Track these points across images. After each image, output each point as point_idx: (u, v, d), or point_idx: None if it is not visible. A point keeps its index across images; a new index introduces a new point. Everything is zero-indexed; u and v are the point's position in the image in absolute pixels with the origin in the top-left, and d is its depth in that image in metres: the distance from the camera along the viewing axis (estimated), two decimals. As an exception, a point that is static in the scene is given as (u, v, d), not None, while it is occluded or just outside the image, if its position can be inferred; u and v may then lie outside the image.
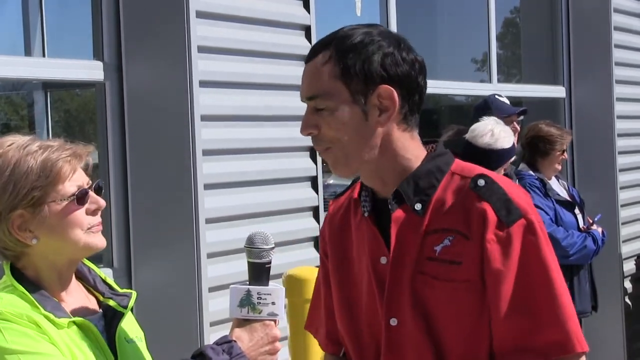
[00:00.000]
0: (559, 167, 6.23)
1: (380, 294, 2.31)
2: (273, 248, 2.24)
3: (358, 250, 2.39)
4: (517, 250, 2.23)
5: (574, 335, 2.25)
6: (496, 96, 5.97)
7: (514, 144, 5.17)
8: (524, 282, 2.24)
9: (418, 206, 2.28)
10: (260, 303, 2.19)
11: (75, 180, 2.21)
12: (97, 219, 2.24)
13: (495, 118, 5.27)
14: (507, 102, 5.85)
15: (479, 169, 2.33)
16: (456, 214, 2.26)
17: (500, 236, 2.23)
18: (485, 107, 5.75)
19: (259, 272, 2.21)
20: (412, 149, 2.31)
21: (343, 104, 2.24)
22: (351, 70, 2.23)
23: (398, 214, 2.29)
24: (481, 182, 2.27)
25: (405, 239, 2.28)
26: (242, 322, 2.21)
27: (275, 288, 2.22)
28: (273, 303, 2.20)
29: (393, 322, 2.29)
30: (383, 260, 2.30)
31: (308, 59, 2.29)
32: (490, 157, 5.03)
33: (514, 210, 2.25)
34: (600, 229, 6.13)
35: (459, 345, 2.27)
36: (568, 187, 6.36)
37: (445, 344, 2.27)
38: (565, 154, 6.22)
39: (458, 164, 2.34)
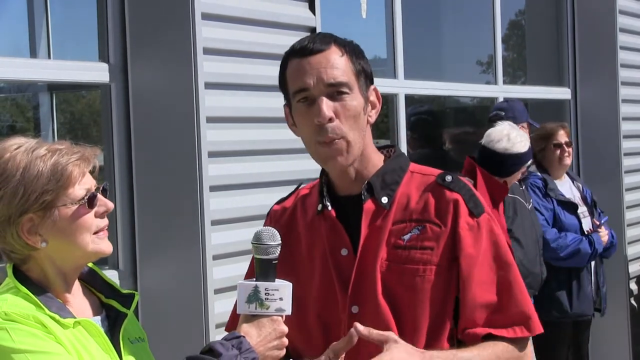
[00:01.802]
0: (564, 164, 6.21)
1: (340, 284, 2.45)
2: (280, 244, 2.26)
3: (309, 248, 2.52)
4: (486, 238, 2.44)
5: (534, 317, 2.46)
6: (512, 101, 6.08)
7: (530, 148, 5.21)
8: (493, 267, 2.44)
9: (384, 199, 2.46)
10: (267, 299, 2.22)
11: (84, 183, 2.21)
12: (105, 221, 2.25)
13: (510, 122, 5.31)
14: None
15: (438, 170, 2.53)
16: (425, 205, 2.45)
17: (472, 224, 2.43)
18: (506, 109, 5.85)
19: (266, 268, 2.24)
20: (374, 148, 2.53)
21: (358, 94, 2.43)
22: (361, 68, 2.45)
23: (368, 205, 2.46)
24: (448, 178, 2.48)
25: (372, 229, 2.45)
26: (250, 318, 2.23)
27: (283, 284, 2.24)
28: (281, 299, 2.22)
29: (354, 309, 2.43)
30: (344, 252, 2.46)
31: (314, 50, 2.41)
32: (507, 161, 5.10)
33: (479, 204, 2.47)
34: (606, 232, 6.12)
35: (423, 327, 2.41)
36: (582, 189, 6.33)
37: (410, 327, 2.41)
38: (562, 148, 6.19)
39: (414, 165, 2.54)
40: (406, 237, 2.43)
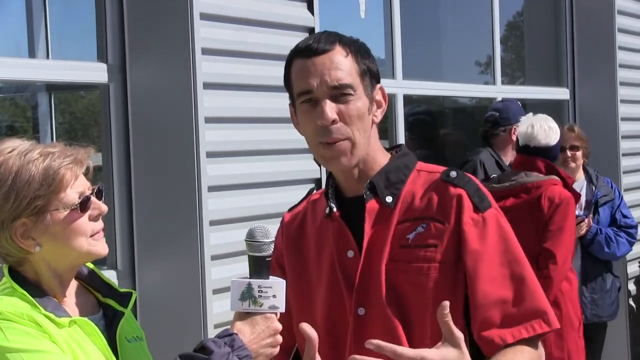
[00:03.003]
0: (569, 167, 6.20)
1: (347, 286, 2.42)
2: (273, 242, 2.25)
3: (318, 250, 2.51)
4: (492, 233, 2.38)
5: (551, 310, 2.38)
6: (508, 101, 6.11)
7: None
8: (503, 262, 2.37)
9: (389, 199, 2.43)
10: (261, 296, 2.20)
11: (77, 186, 2.20)
12: (100, 224, 2.24)
13: (530, 114, 5.45)
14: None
15: (444, 167, 2.48)
16: (429, 203, 2.41)
17: (476, 220, 2.38)
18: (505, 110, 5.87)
19: (260, 266, 2.22)
20: (380, 148, 2.49)
21: (362, 95, 2.40)
22: (366, 68, 2.42)
23: (371, 205, 2.43)
24: (453, 173, 2.44)
25: (377, 229, 2.41)
26: (243, 316, 2.21)
27: (276, 281, 2.23)
28: (274, 296, 2.21)
29: (361, 311, 2.41)
30: (350, 253, 2.44)
31: (318, 50, 2.38)
32: (559, 146, 5.40)
33: (485, 199, 2.41)
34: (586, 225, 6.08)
35: (432, 327, 2.34)
36: (596, 192, 6.28)
37: (418, 327, 2.37)
38: (565, 152, 6.19)
39: (421, 164, 2.51)
40: (411, 235, 2.39)
